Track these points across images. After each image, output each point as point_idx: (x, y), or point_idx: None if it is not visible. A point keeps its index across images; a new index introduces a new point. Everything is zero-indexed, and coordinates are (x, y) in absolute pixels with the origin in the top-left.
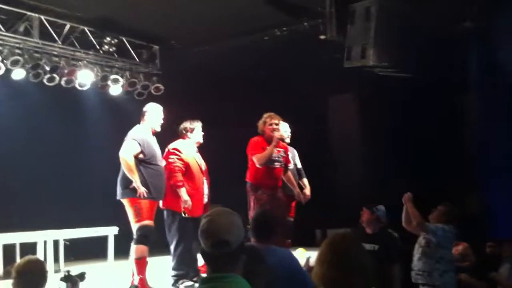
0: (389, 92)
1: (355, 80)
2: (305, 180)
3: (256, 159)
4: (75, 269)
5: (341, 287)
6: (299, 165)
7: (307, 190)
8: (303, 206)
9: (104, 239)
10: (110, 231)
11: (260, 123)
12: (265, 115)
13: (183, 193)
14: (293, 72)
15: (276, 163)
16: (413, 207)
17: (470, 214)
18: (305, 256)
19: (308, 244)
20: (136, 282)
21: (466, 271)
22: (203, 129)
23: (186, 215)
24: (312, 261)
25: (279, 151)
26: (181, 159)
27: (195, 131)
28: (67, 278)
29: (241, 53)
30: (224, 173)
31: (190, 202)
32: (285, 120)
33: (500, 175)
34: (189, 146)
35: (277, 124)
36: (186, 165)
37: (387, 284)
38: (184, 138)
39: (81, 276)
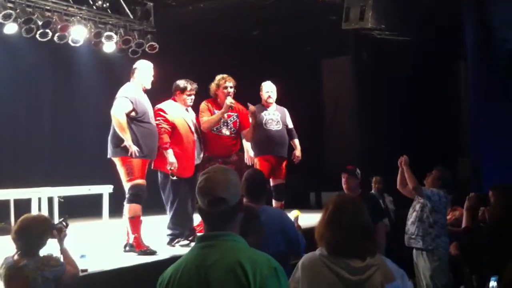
0: (385, 56)
1: (351, 43)
2: (296, 141)
3: (202, 122)
4: (69, 226)
5: (347, 247)
6: (290, 125)
7: (298, 151)
8: (297, 170)
9: (99, 197)
10: (105, 190)
11: (213, 86)
12: (218, 77)
13: (169, 155)
14: (289, 32)
15: (225, 130)
16: (409, 171)
17: (461, 177)
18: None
19: (302, 206)
20: (131, 241)
21: (459, 236)
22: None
23: (174, 177)
24: (303, 222)
25: (229, 115)
26: (166, 120)
27: (185, 94)
28: (51, 227)
29: (237, 12)
30: None
31: (176, 165)
32: (278, 81)
33: (490, 140)
34: (177, 106)
35: (231, 88)
36: (172, 126)
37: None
38: (173, 99)
39: (64, 222)
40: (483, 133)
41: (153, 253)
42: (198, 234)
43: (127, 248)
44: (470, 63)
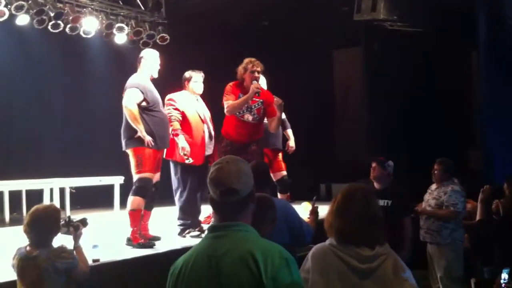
0: (397, 47)
1: (363, 34)
2: (289, 131)
3: (226, 105)
4: (80, 217)
5: (356, 235)
6: (283, 116)
7: (292, 142)
8: (308, 161)
9: (110, 188)
10: (116, 181)
11: (240, 69)
12: (246, 61)
13: (180, 140)
14: (300, 23)
15: (247, 116)
16: (439, 214)
17: (473, 169)
18: (309, 209)
19: (312, 198)
20: (129, 235)
21: (471, 228)
22: (207, 79)
23: (190, 160)
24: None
25: (254, 101)
26: (176, 109)
27: (192, 82)
28: (68, 224)
29: (248, 2)
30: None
31: (188, 149)
32: (288, 71)
33: (502, 131)
34: (188, 96)
35: (259, 73)
36: (183, 115)
37: (400, 238)
38: (184, 88)
39: (83, 222)
40: (494, 124)
41: (151, 246)
42: (210, 224)
43: (126, 242)
44: (482, 53)
